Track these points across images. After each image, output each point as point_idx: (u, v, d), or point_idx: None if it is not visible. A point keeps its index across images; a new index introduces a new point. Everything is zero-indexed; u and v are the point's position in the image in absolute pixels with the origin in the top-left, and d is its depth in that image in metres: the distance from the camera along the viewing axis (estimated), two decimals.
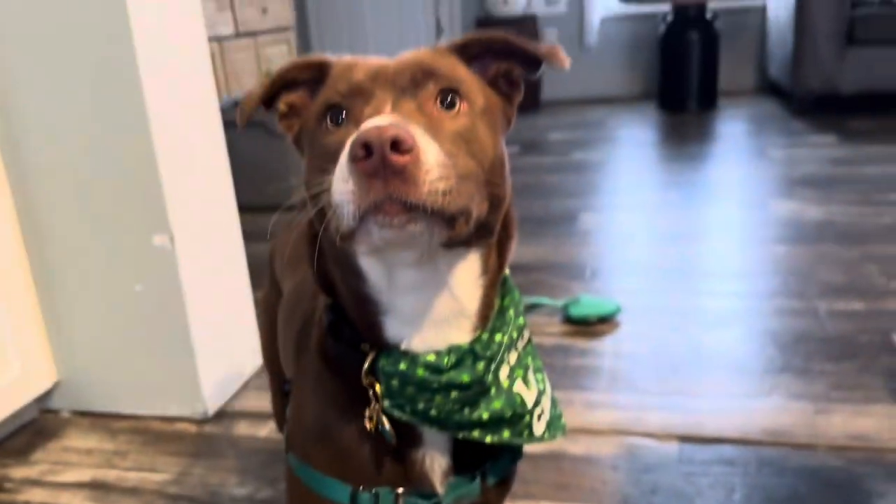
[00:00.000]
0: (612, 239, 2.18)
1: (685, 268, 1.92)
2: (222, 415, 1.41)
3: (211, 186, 1.40)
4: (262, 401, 1.44)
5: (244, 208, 2.85)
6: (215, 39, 3.26)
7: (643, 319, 1.65)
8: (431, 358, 0.57)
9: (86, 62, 1.20)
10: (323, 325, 0.65)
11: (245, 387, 1.51)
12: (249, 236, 2.51)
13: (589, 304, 1.66)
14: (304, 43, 5.24)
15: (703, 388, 1.35)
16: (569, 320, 1.67)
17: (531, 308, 1.74)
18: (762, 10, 4.52)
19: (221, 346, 1.44)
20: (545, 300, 1.72)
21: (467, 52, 0.61)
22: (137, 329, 1.37)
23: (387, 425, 0.60)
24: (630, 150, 3.31)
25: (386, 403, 0.59)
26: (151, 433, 1.37)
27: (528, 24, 4.53)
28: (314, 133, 0.60)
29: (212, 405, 1.42)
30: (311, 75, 0.63)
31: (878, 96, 4.18)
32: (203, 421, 1.40)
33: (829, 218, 2.21)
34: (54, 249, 1.33)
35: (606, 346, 1.54)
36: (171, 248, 1.28)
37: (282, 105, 0.65)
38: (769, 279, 1.81)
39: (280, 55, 3.85)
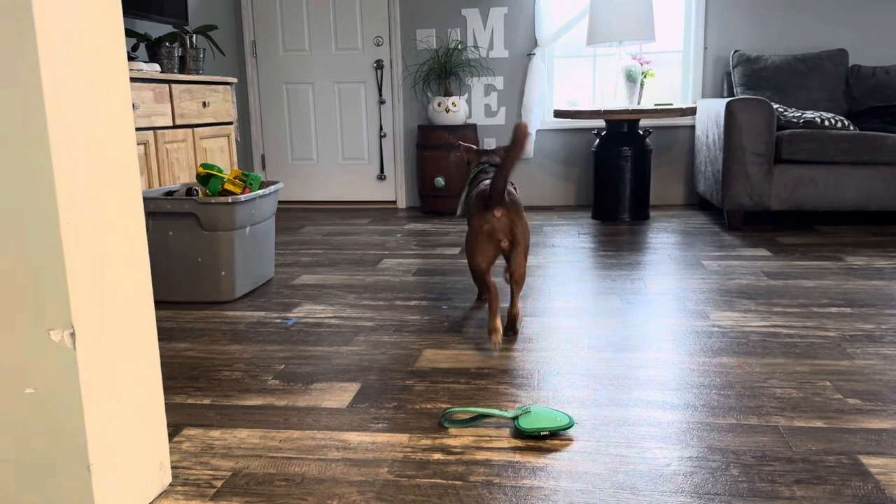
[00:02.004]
0: (557, 345, 2.09)
1: (635, 377, 1.84)
2: None
3: (124, 281, 1.24)
4: None
5: (170, 304, 2.66)
6: (150, 129, 3.16)
7: (596, 433, 1.54)
8: None
9: None
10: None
11: None
12: (172, 333, 2.32)
13: (541, 416, 1.54)
14: (246, 140, 5.18)
15: None
16: (519, 433, 1.54)
17: (478, 419, 1.61)
18: (691, 129, 4.74)
19: (123, 462, 1.25)
20: (494, 411, 1.59)
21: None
22: (24, 439, 1.16)
23: None
24: (567, 256, 3.29)
25: None
26: None
27: (468, 133, 4.60)
28: None
29: None
30: None
31: (804, 213, 4.37)
32: None
33: (773, 330, 2.19)
34: None
35: (561, 465, 1.41)
36: (72, 345, 1.11)
37: None
38: (722, 392, 1.73)
39: (219, 149, 3.77)
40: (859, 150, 3.63)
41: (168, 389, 1.85)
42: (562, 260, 3.23)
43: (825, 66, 4.27)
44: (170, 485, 1.38)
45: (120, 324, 1.23)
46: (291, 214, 4.82)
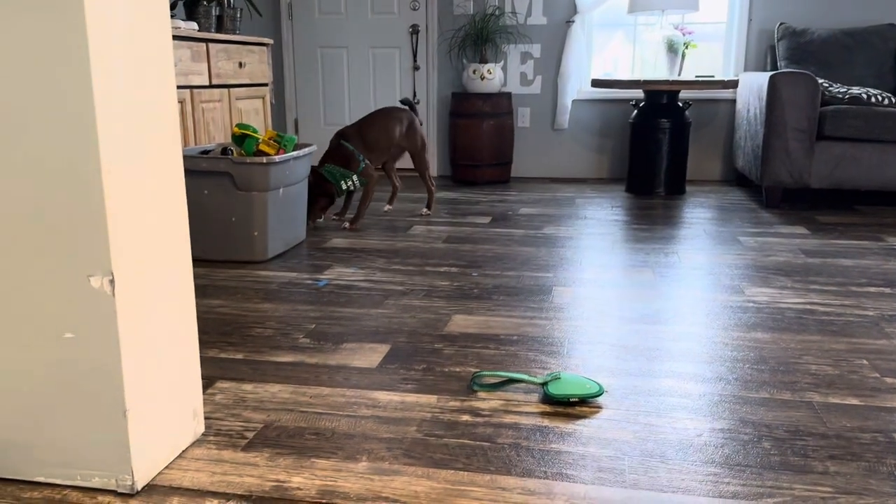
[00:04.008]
0: (588, 315, 2.08)
1: (667, 349, 1.82)
2: (152, 489, 1.23)
3: (164, 231, 1.25)
4: (201, 474, 1.26)
5: (204, 262, 2.70)
6: (187, 87, 3.17)
7: (626, 402, 1.53)
8: None
9: (35, 85, 1.07)
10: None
11: (181, 457, 1.32)
12: (205, 290, 2.35)
13: (570, 382, 1.53)
14: (279, 103, 5.18)
15: (698, 483, 1.22)
16: (548, 399, 1.54)
17: (507, 383, 1.61)
18: (732, 103, 4.63)
19: (158, 409, 1.27)
20: (523, 376, 1.58)
21: None
22: (62, 383, 1.19)
23: None
24: (600, 228, 3.26)
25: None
26: None
27: (503, 101, 4.55)
28: None
29: (141, 477, 1.23)
30: None
31: (844, 192, 4.27)
32: (129, 495, 1.21)
33: (809, 308, 2.15)
34: None
35: (590, 431, 1.41)
36: (111, 292, 1.13)
37: None
38: (756, 366, 1.71)
39: (254, 111, 3.77)
40: None
41: (202, 344, 1.88)
42: (594, 232, 3.20)
43: (873, 41, 4.13)
44: (202, 434, 1.40)
45: (158, 273, 1.24)
46: None
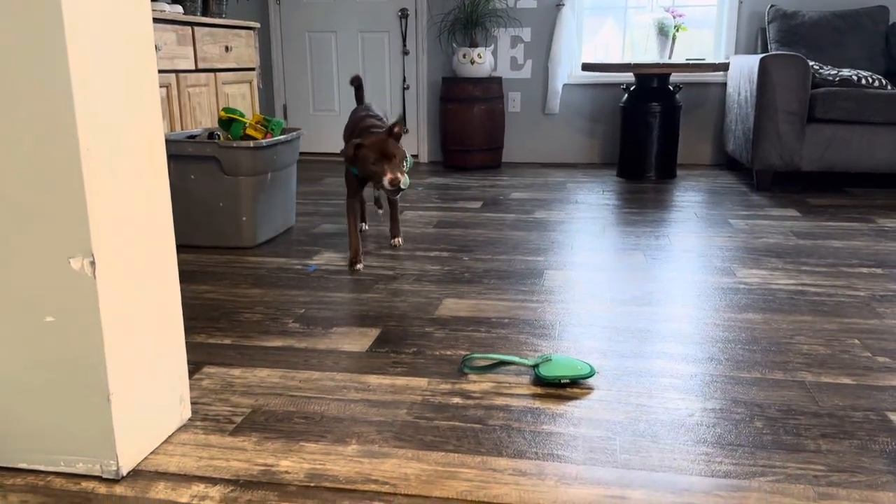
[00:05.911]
0: (579, 297, 2.07)
1: (658, 331, 1.81)
2: (138, 474, 1.21)
3: (146, 213, 1.23)
4: (187, 459, 1.24)
5: (192, 248, 2.67)
6: (172, 71, 3.13)
7: (617, 383, 1.52)
8: None
9: (11, 65, 1.04)
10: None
11: (167, 442, 1.30)
12: (193, 276, 2.33)
13: (562, 364, 1.52)
14: (267, 89, 5.13)
15: (690, 462, 1.21)
16: (539, 381, 1.53)
17: (498, 366, 1.59)
18: (723, 87, 4.61)
19: (143, 394, 1.25)
20: (514, 358, 1.57)
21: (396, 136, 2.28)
22: (44, 367, 1.17)
23: None
24: (591, 212, 3.25)
25: None
26: (51, 493, 1.16)
27: (493, 86, 4.52)
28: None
29: (126, 462, 1.21)
30: None
31: (835, 174, 4.27)
32: (114, 480, 1.19)
33: (801, 289, 2.14)
34: None
35: (581, 412, 1.40)
36: (92, 273, 1.10)
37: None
38: (747, 347, 1.70)
39: (241, 95, 3.73)
40: None
41: (189, 329, 1.86)
42: (585, 216, 3.19)
43: (864, 24, 4.12)
44: (189, 419, 1.38)
45: (140, 255, 1.22)
46: (313, 165, 4.79)
